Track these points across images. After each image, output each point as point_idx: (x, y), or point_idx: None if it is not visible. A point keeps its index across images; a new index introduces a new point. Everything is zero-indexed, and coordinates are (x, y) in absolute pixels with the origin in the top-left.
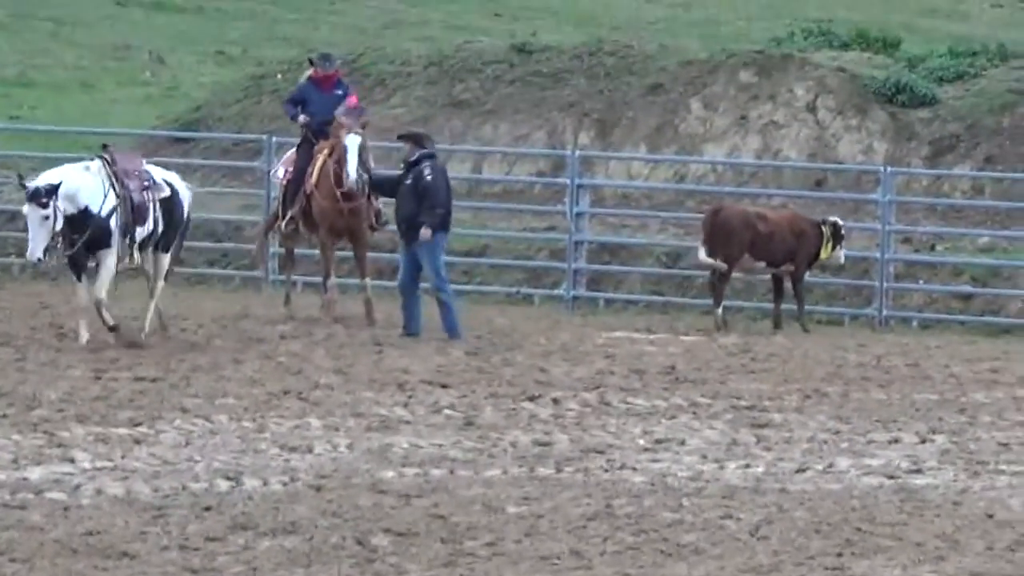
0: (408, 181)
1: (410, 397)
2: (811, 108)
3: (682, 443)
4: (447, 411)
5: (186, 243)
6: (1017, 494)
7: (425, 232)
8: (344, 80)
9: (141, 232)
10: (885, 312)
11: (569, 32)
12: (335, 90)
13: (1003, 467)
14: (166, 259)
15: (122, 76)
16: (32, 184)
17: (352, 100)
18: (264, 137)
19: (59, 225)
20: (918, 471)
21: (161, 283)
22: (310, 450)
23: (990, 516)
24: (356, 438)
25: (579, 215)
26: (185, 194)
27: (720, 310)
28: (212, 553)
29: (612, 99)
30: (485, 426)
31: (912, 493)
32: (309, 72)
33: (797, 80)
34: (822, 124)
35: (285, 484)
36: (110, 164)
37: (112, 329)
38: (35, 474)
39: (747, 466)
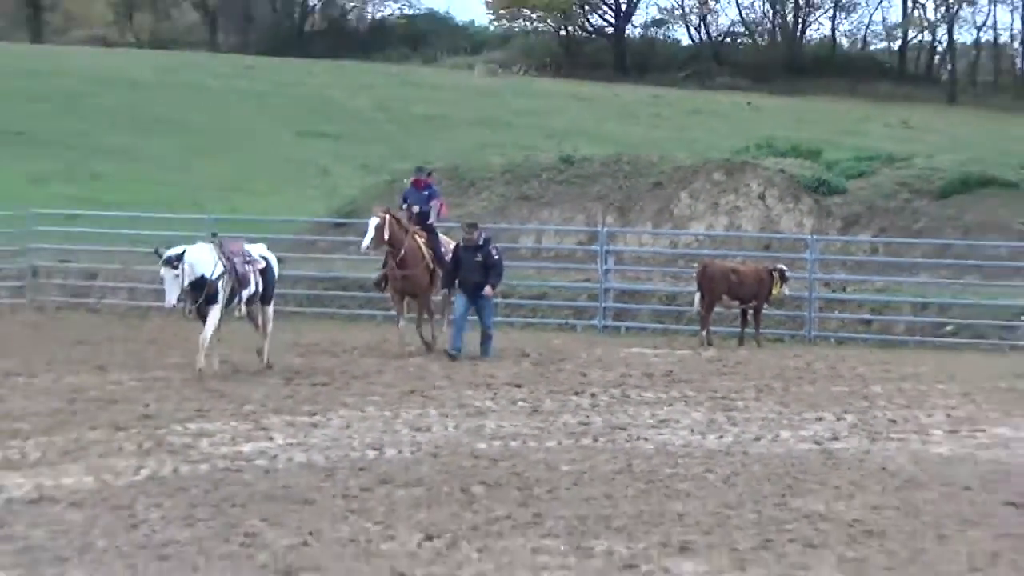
0: (477, 258)
1: (495, 394)
2: (762, 197)
3: (677, 422)
4: (520, 403)
5: (344, 292)
6: (901, 454)
7: (490, 291)
8: (435, 186)
9: (246, 293)
10: (813, 333)
11: (599, 148)
12: (424, 191)
13: (892, 436)
14: (269, 309)
15: (300, 183)
16: (166, 253)
17: (437, 203)
18: None
19: (186, 282)
20: (835, 439)
21: (270, 326)
22: (429, 429)
23: (884, 469)
24: (460, 421)
25: (607, 271)
26: (273, 261)
27: (705, 333)
28: (365, 499)
29: (628, 192)
30: (545, 412)
31: (831, 453)
32: (411, 178)
33: (752, 178)
34: (769, 207)
35: (413, 452)
36: (219, 246)
37: (200, 370)
38: (247, 448)
39: (720, 437)
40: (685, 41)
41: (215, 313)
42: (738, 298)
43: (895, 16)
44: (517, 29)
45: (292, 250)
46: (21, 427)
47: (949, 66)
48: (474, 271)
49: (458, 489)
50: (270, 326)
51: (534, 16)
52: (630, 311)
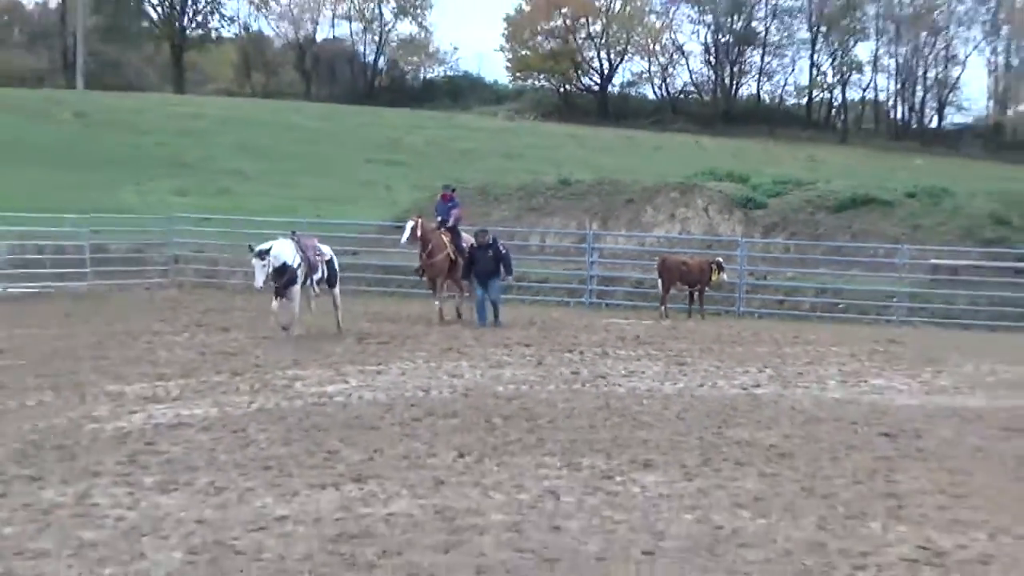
0: (489, 254)
1: (510, 351)
2: (706, 210)
3: (643, 373)
4: (528, 357)
5: (400, 276)
6: (805, 398)
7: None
8: (456, 199)
9: (316, 277)
10: (742, 309)
11: (588, 174)
12: (448, 203)
13: (799, 385)
14: (336, 290)
15: (370, 197)
16: (257, 248)
17: (456, 212)
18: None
19: (269, 270)
20: (757, 386)
21: (339, 300)
22: (462, 376)
23: (793, 408)
24: (485, 371)
25: (592, 263)
26: (334, 256)
27: (663, 308)
28: (415, 426)
29: (609, 205)
30: (547, 364)
31: (755, 397)
32: (440, 194)
33: (699, 196)
34: (711, 218)
35: (450, 393)
36: (297, 242)
37: (284, 328)
38: (330, 389)
39: (674, 384)
40: (651, 96)
41: (296, 292)
42: (687, 283)
43: (804, 79)
44: (529, 86)
45: (363, 245)
46: (165, 371)
47: (843, 116)
48: (487, 264)
49: (483, 420)
50: (339, 300)
51: (541, 77)
52: (609, 292)
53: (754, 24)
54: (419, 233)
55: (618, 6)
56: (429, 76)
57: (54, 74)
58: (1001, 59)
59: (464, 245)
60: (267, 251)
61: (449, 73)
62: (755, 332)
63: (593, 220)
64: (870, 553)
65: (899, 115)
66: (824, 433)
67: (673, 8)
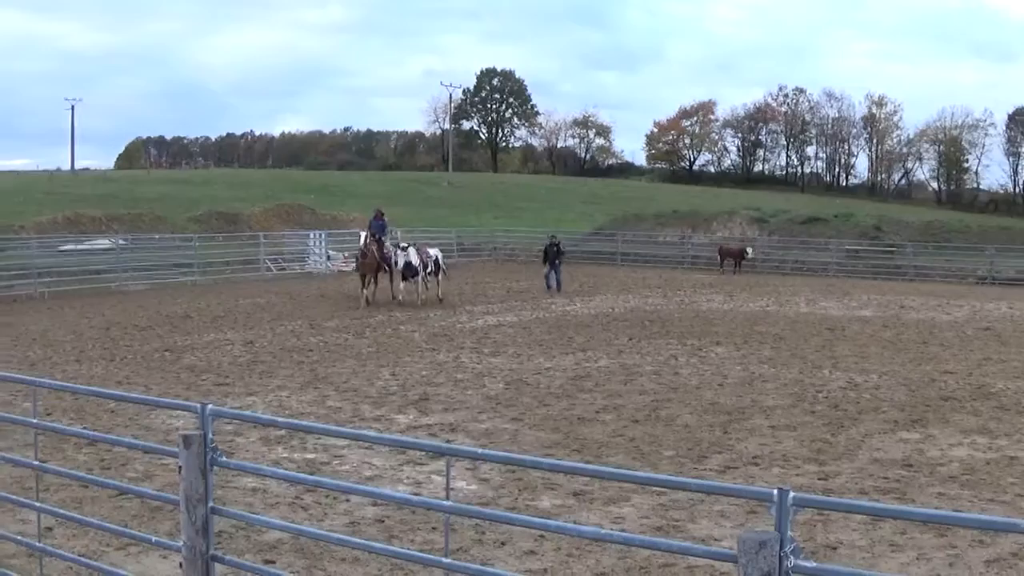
0: (555, 249)
1: (651, 291)
2: (741, 224)
3: (711, 299)
4: (658, 293)
5: (594, 256)
6: (790, 312)
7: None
8: (384, 219)
9: (427, 271)
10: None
11: (683, 207)
12: (379, 222)
13: (786, 305)
14: (440, 276)
15: (581, 220)
16: (401, 246)
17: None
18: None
19: (402, 264)
20: (767, 306)
21: (440, 285)
22: (628, 303)
23: (784, 316)
24: (638, 300)
25: (689, 248)
26: (440, 256)
27: (722, 270)
28: (608, 325)
29: (699, 219)
30: (668, 297)
31: (766, 311)
32: (374, 214)
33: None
34: (744, 228)
35: (623, 310)
36: (417, 249)
37: (400, 301)
38: (568, 308)
39: (728, 304)
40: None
41: (418, 279)
42: (731, 256)
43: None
44: (655, 164)
45: (577, 243)
46: (492, 300)
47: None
48: (554, 256)
49: (640, 321)
50: (440, 285)
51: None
52: (698, 261)
53: None
54: (367, 242)
55: None
56: (607, 163)
57: (438, 165)
58: None
59: (387, 253)
60: (406, 249)
61: (616, 162)
62: (771, 283)
63: (686, 228)
64: (823, 385)
65: None
66: (799, 327)
67: None
